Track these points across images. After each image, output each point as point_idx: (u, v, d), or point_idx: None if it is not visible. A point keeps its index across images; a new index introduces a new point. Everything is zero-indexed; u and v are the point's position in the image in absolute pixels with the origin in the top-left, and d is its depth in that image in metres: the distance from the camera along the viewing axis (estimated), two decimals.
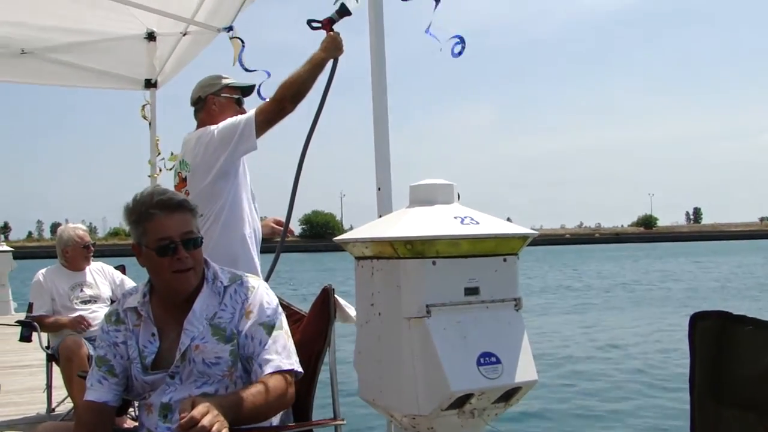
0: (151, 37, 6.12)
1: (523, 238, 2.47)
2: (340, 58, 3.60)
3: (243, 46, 4.75)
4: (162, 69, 6.36)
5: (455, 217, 2.38)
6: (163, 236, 2.42)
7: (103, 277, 5.37)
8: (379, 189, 3.23)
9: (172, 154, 5.87)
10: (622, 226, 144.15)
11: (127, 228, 2.57)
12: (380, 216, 3.10)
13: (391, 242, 2.31)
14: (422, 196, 2.50)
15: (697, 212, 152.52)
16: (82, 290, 5.21)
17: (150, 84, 6.56)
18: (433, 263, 2.29)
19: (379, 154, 3.23)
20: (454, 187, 2.53)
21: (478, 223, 2.39)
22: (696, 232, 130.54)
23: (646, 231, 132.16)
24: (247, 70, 4.59)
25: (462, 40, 3.34)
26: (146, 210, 2.44)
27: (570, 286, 32.34)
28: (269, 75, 4.41)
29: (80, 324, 4.92)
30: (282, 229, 3.86)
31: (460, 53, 3.36)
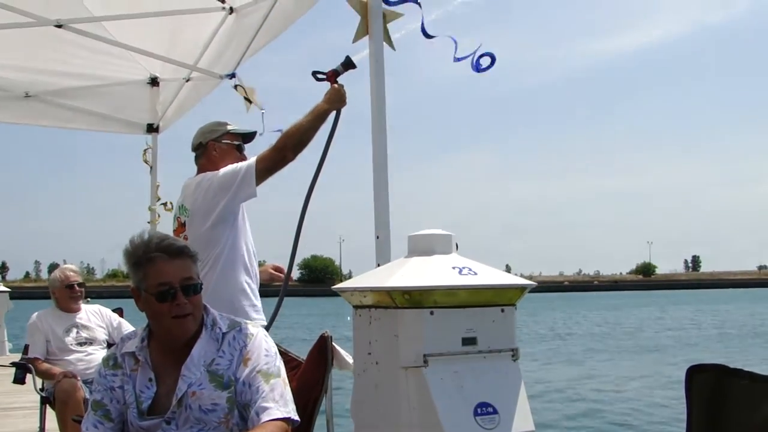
0: (154, 82, 6.20)
1: (521, 288, 2.48)
2: (343, 109, 3.64)
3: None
4: (164, 114, 6.43)
5: (453, 268, 2.40)
6: (163, 281, 2.43)
7: (99, 319, 5.35)
8: (377, 237, 3.26)
9: (168, 203, 5.93)
10: (620, 273, 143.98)
11: (125, 270, 2.59)
12: (378, 264, 3.12)
13: (389, 292, 2.33)
14: (421, 246, 2.52)
15: (695, 260, 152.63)
16: (78, 332, 5.19)
17: (152, 128, 6.60)
18: (431, 313, 2.30)
19: (378, 203, 3.27)
20: (452, 237, 2.55)
21: (476, 273, 2.41)
22: (694, 280, 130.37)
23: (645, 279, 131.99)
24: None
25: (492, 58, 3.40)
26: (147, 255, 2.46)
27: (570, 333, 32.20)
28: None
29: (70, 379, 4.87)
30: (280, 275, 3.86)
31: (486, 68, 3.41)
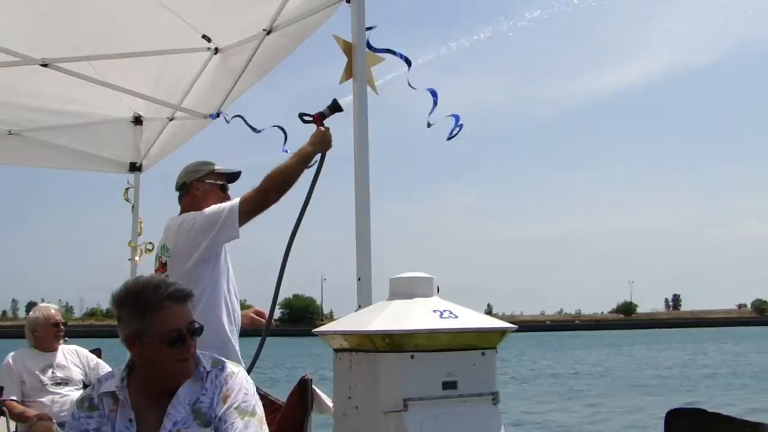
0: (138, 120, 6.20)
1: (501, 332, 2.49)
2: (328, 152, 3.67)
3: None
4: (148, 152, 6.44)
5: (434, 311, 2.41)
6: (174, 328, 2.45)
7: (75, 359, 5.29)
8: (359, 279, 3.27)
9: (149, 244, 5.90)
10: (602, 312, 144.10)
11: (115, 313, 2.56)
12: (360, 306, 3.13)
13: (370, 336, 2.33)
14: (402, 289, 2.53)
15: (676, 299, 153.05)
16: (53, 372, 5.13)
17: (134, 167, 6.59)
18: (412, 357, 2.30)
19: (360, 245, 3.28)
20: (433, 280, 2.56)
21: (456, 316, 2.41)
22: (675, 319, 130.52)
23: (626, 318, 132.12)
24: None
25: (457, 122, 3.47)
26: (157, 302, 2.46)
27: (551, 374, 32.10)
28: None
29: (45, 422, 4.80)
30: (262, 320, 3.86)
31: (454, 135, 3.49)
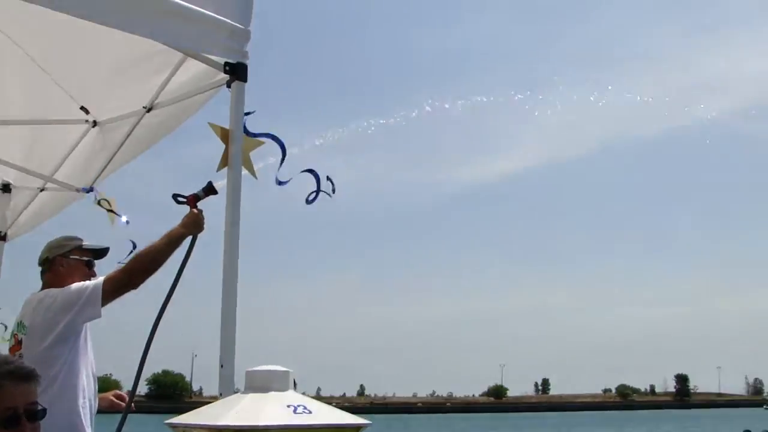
0: (5, 188, 6.00)
1: (356, 428, 2.55)
2: (200, 235, 3.63)
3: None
4: (15, 221, 6.22)
5: (288, 406, 2.45)
6: (9, 406, 2.38)
7: None
8: (222, 366, 3.24)
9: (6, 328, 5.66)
10: (473, 395, 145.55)
11: None
12: (221, 394, 3.13)
13: (221, 431, 2.35)
14: (257, 383, 2.56)
15: (545, 383, 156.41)
16: None
17: None
18: None
19: (225, 332, 3.27)
20: (290, 373, 2.61)
21: (311, 412, 2.46)
22: (544, 403, 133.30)
23: (497, 401, 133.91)
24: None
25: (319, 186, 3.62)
26: None
27: None
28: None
29: None
30: (121, 404, 3.78)
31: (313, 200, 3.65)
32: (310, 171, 3.88)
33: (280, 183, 3.77)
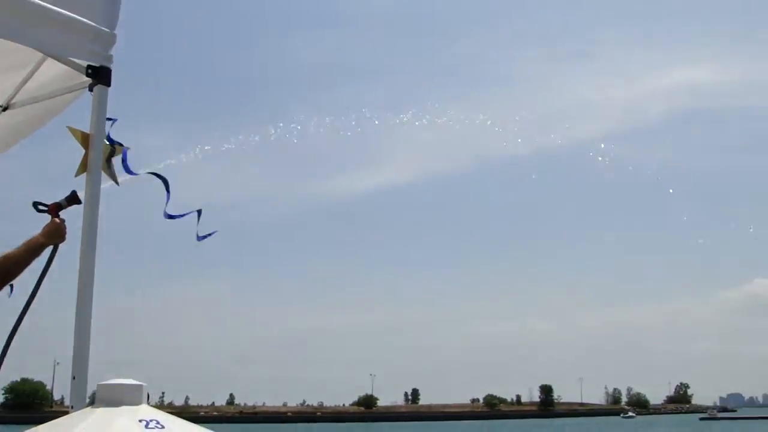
0: None
1: None
2: (61, 245, 3.47)
3: None
4: None
5: (140, 420, 2.41)
6: None
7: None
8: (74, 378, 3.14)
9: None
10: (344, 405, 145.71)
11: None
12: (71, 407, 3.02)
13: None
14: (108, 396, 2.51)
15: (415, 393, 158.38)
16: None
17: None
18: None
19: (78, 343, 3.17)
20: (143, 387, 2.57)
21: (163, 427, 2.43)
22: (414, 412, 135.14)
23: (367, 410, 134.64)
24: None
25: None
26: None
27: None
28: None
29: None
30: None
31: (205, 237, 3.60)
32: (163, 181, 3.81)
33: (170, 217, 3.70)
